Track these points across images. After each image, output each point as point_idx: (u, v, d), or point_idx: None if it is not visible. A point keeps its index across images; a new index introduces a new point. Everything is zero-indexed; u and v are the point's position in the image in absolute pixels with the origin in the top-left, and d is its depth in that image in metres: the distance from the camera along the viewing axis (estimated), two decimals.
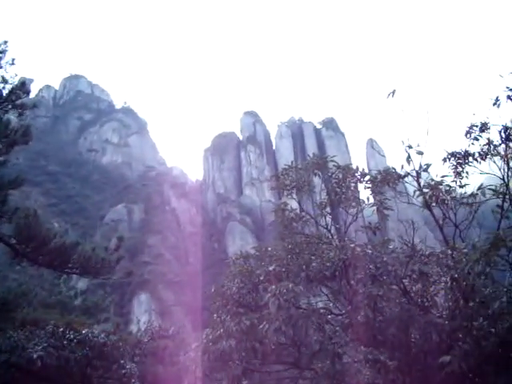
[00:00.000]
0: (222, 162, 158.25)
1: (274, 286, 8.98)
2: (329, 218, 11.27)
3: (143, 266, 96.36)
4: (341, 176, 10.55)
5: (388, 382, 9.23)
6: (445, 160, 10.59)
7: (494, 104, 10.26)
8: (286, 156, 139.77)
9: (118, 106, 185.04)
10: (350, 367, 9.11)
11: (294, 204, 12.15)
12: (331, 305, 11.02)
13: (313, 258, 9.89)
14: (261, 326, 9.33)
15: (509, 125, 10.25)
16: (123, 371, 15.05)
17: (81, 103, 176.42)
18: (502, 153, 10.20)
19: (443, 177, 10.01)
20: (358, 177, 10.75)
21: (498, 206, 9.63)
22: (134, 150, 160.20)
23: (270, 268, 9.91)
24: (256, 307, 10.38)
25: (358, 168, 11.03)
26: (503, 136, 10.24)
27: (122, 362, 15.34)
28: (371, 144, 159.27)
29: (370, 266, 8.92)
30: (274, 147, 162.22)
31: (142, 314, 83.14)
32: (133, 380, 15.36)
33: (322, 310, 10.48)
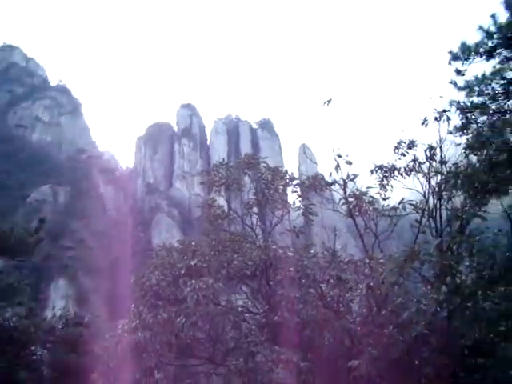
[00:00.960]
0: (154, 152, 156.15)
1: (194, 281, 8.99)
2: (255, 218, 11.39)
3: (64, 251, 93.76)
4: (270, 178, 10.71)
5: (299, 382, 9.45)
6: (372, 172, 10.97)
7: (423, 123, 10.74)
8: (219, 152, 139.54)
9: (53, 83, 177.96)
10: (263, 366, 9.26)
11: (222, 201, 12.21)
12: (250, 304, 11.13)
13: (235, 256, 9.97)
14: (178, 320, 9.31)
15: (434, 144, 10.75)
16: (33, 357, 14.59)
17: (13, 76, 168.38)
18: (426, 170, 10.69)
19: (368, 188, 10.37)
20: (287, 180, 10.95)
21: (416, 220, 10.07)
22: (66, 131, 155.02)
23: (192, 262, 9.90)
24: (174, 301, 10.32)
25: (287, 171, 11.23)
26: (428, 155, 10.73)
27: (32, 348, 14.86)
28: (304, 149, 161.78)
29: (291, 269, 9.11)
30: (208, 142, 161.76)
31: (58, 300, 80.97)
32: (43, 367, 14.92)
33: (240, 308, 10.58)
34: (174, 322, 9.42)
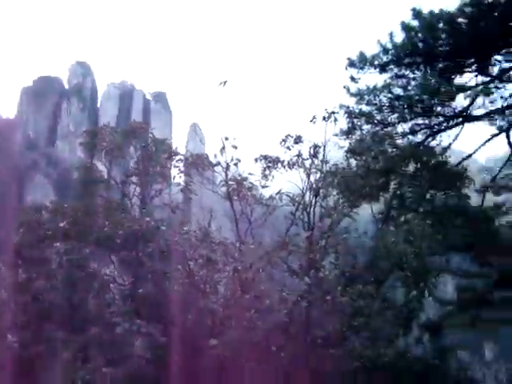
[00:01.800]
0: (39, 107, 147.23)
1: (59, 244, 8.65)
2: (134, 188, 11.16)
3: None
4: (154, 149, 10.55)
5: (157, 356, 9.45)
6: (256, 160, 11.16)
7: (311, 120, 11.08)
8: (109, 118, 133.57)
9: None
10: (123, 337, 9.15)
11: (102, 166, 11.81)
12: (116, 274, 10.91)
13: (107, 223, 9.72)
14: (38, 282, 8.93)
15: (319, 144, 11.15)
16: None
17: None
18: (307, 166, 11.06)
19: (250, 174, 10.54)
20: (171, 154, 10.84)
21: (291, 213, 10.40)
22: None
23: (61, 224, 9.51)
24: (37, 262, 9.88)
25: (172, 145, 11.12)
26: (312, 152, 11.10)
27: None
28: (194, 129, 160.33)
29: (161, 242, 9.03)
30: (98, 105, 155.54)
31: None
32: None
33: (105, 277, 10.34)
34: (34, 284, 9.01)
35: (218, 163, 10.62)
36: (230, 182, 10.39)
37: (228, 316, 9.66)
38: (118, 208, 10.31)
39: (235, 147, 10.31)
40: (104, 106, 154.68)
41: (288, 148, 11.26)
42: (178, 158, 10.87)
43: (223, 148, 10.39)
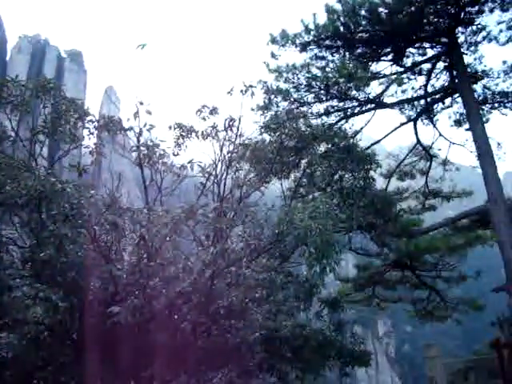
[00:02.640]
0: None
1: None
2: (40, 147, 10.68)
3: None
4: (64, 107, 10.12)
5: (55, 321, 9.22)
6: (170, 128, 11.01)
7: (229, 92, 11.06)
8: (19, 72, 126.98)
9: None
10: (20, 301, 8.84)
11: (7, 122, 11.20)
12: (16, 235, 10.45)
13: (9, 181, 9.26)
14: None
15: (235, 117, 11.16)
16: None
17: None
18: (221, 138, 11.06)
19: (162, 141, 10.40)
20: (82, 115, 10.45)
21: (201, 183, 10.40)
22: None
23: None
24: None
25: (83, 105, 10.73)
26: (227, 124, 11.11)
27: None
28: (109, 92, 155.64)
29: (66, 205, 8.74)
30: (7, 58, 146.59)
31: None
32: None
33: (4, 239, 9.89)
34: None
35: (131, 128, 10.36)
36: (142, 148, 10.19)
37: (132, 283, 9.54)
38: (22, 167, 9.81)
39: (149, 113, 10.08)
40: (14, 59, 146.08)
41: (203, 118, 11.19)
42: (88, 118, 10.48)
43: (137, 113, 10.13)
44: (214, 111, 11.25)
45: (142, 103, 10.02)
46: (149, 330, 9.38)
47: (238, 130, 10.97)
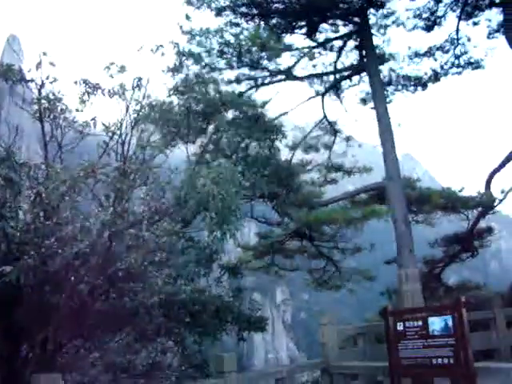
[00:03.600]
0: None
1: None
2: None
3: None
4: None
5: None
6: (76, 83, 10.57)
7: (138, 50, 10.79)
8: None
9: None
10: None
11: None
12: None
13: None
14: None
15: (144, 76, 10.89)
16: None
17: None
18: (128, 97, 10.76)
19: (64, 95, 9.95)
20: None
21: (104, 141, 10.11)
22: None
23: None
24: None
25: None
26: (135, 84, 10.83)
27: None
28: (12, 41, 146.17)
29: None
30: None
31: None
32: None
33: None
34: None
35: (32, 80, 9.82)
36: (43, 101, 9.70)
37: (26, 242, 9.17)
38: None
39: (53, 64, 9.58)
40: None
41: (111, 76, 10.85)
42: None
43: (40, 63, 9.60)
44: (122, 69, 10.93)
45: (45, 54, 9.50)
46: (43, 292, 9.11)
47: (146, 90, 10.73)
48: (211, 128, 11.10)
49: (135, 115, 10.31)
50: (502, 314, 17.03)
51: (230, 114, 11.71)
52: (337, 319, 15.19)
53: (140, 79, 10.78)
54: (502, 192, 17.78)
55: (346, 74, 18.69)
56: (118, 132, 10.09)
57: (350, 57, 18.49)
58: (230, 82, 16.08)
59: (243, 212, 11.55)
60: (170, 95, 11.20)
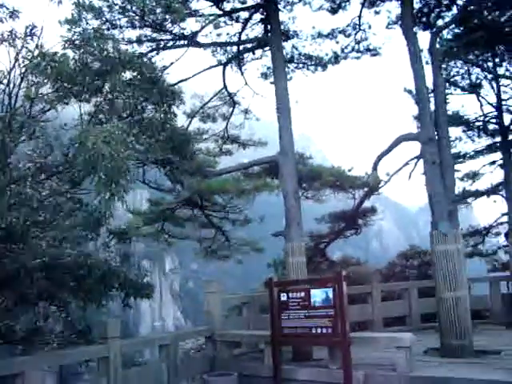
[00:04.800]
0: None
1: None
2: None
3: None
4: None
5: None
6: None
7: None
8: None
9: None
10: None
11: None
12: None
13: None
14: None
15: (39, 24, 10.21)
16: None
17: None
18: (19, 46, 10.07)
19: None
20: None
21: None
22: None
23: None
24: None
25: None
26: (27, 32, 10.14)
27: None
28: None
29: None
30: None
31: None
32: None
33: None
34: None
35: None
36: None
37: None
38: None
39: None
40: None
41: (0, 21, 10.10)
42: None
43: None
44: (13, 14, 10.20)
45: None
46: None
47: (39, 40, 10.08)
48: (107, 87, 10.66)
49: (25, 65, 9.66)
50: (378, 288, 18.21)
51: (128, 75, 11.28)
52: (223, 289, 15.47)
53: (33, 27, 10.12)
54: (387, 175, 18.85)
55: (249, 46, 18.69)
56: (6, 81, 9.44)
57: (255, 30, 18.48)
58: (130, 41, 15.55)
59: (134, 176, 11.34)
60: (65, 48, 10.59)
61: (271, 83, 16.76)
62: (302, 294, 11.66)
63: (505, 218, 21.23)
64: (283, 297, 11.99)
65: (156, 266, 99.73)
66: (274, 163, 15.51)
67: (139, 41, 15.94)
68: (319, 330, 11.24)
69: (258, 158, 16.79)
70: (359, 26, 19.25)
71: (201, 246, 20.46)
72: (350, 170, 18.73)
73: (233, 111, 20.80)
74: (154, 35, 16.36)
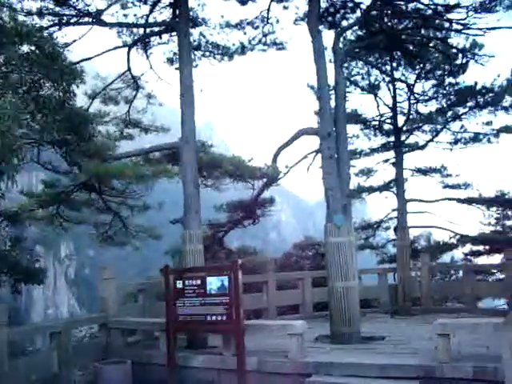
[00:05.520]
0: None
1: None
2: None
3: None
4: None
5: None
6: None
7: None
8: None
9: None
10: None
11: None
12: None
13: None
14: None
15: None
16: None
17: None
18: None
19: None
20: None
21: None
22: None
23: None
24: None
25: None
26: None
27: None
28: None
29: None
30: None
31: None
32: None
33: None
34: None
35: None
36: None
37: None
38: None
39: None
40: None
41: None
42: None
43: None
44: None
45: None
46: None
47: None
48: (1, 59, 10.06)
49: None
50: (273, 277, 18.67)
51: (25, 48, 10.69)
52: (120, 276, 15.22)
53: None
54: (287, 167, 19.22)
55: (156, 30, 18.31)
56: None
57: (164, 14, 18.12)
58: (30, 13, 14.75)
59: (28, 155, 10.82)
60: None
61: (176, 69, 16.51)
62: (198, 281, 11.69)
63: (394, 214, 22.37)
64: (179, 284, 11.96)
65: (50, 252, 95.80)
66: (176, 150, 15.37)
67: (40, 13, 15.13)
68: (214, 318, 11.34)
69: (159, 144, 16.57)
70: (267, 19, 19.41)
71: (97, 232, 19.89)
72: (250, 161, 18.97)
73: (136, 95, 20.31)
74: (57, 9, 15.62)
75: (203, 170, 17.86)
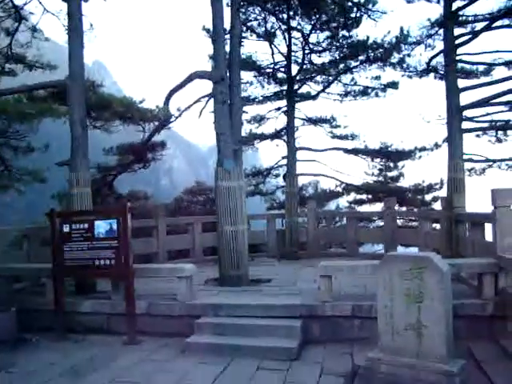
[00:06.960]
0: None
1: None
2: None
3: None
4: None
5: None
6: None
7: None
8: None
9: None
10: None
11: None
12: None
13: None
14: None
15: None
16: None
17: None
18: None
19: None
20: None
21: None
22: None
23: None
24: None
25: None
26: None
27: None
28: None
29: None
30: None
31: None
32: None
33: None
34: None
35: None
36: None
37: None
38: None
39: None
40: None
41: None
42: None
43: None
44: None
45: None
46: None
47: None
48: None
49: None
50: (163, 222, 18.60)
51: None
52: (2, 223, 14.46)
53: None
54: (179, 110, 18.86)
55: None
56: None
57: None
58: None
59: None
60: None
61: (64, 1, 15.40)
62: (86, 225, 11.37)
63: (284, 161, 22.88)
64: (66, 228, 11.58)
65: None
66: (62, 88, 14.49)
67: None
68: (102, 262, 11.15)
69: (44, 81, 15.53)
70: None
71: None
72: (141, 102, 18.47)
73: (18, 27, 18.74)
74: None
75: (92, 110, 17.09)
